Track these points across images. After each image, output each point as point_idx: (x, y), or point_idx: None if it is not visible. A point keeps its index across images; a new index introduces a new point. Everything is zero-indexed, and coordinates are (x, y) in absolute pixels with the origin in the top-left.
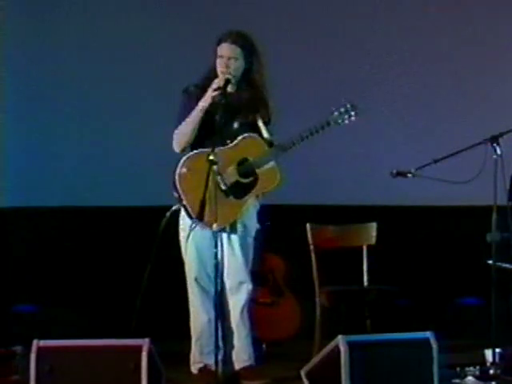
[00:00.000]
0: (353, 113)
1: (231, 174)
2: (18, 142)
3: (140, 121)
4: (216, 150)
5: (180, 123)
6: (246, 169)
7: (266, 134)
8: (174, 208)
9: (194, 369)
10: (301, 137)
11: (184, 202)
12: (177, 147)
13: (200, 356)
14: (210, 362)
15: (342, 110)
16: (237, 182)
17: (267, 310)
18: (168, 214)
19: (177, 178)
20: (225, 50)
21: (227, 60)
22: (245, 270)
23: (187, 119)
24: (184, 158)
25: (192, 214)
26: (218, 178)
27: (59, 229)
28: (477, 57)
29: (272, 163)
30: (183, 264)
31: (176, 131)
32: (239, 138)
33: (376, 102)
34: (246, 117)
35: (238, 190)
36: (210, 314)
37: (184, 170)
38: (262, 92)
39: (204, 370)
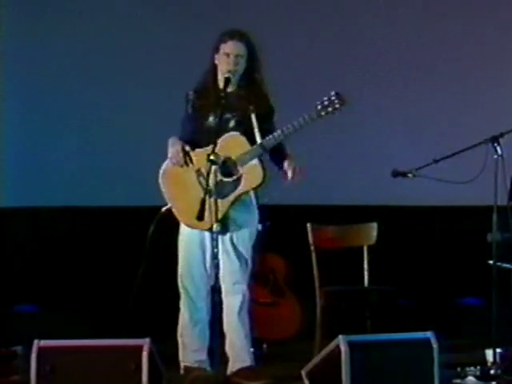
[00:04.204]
0: (338, 103)
1: (214, 174)
2: (18, 141)
3: (141, 121)
4: (199, 150)
5: (181, 128)
6: (229, 167)
7: (257, 133)
8: (163, 209)
9: (181, 368)
10: (283, 133)
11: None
12: None
13: (183, 355)
14: (193, 360)
15: (326, 102)
16: (220, 182)
17: (268, 310)
18: (158, 216)
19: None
20: (233, 47)
21: (235, 58)
22: (239, 271)
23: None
24: (160, 170)
25: (178, 217)
26: (201, 178)
27: (59, 229)
28: (478, 57)
29: (255, 161)
30: None
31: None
32: (221, 138)
33: (376, 102)
34: (244, 112)
35: (222, 190)
36: (193, 314)
37: (160, 179)
38: (261, 87)
39: (188, 368)
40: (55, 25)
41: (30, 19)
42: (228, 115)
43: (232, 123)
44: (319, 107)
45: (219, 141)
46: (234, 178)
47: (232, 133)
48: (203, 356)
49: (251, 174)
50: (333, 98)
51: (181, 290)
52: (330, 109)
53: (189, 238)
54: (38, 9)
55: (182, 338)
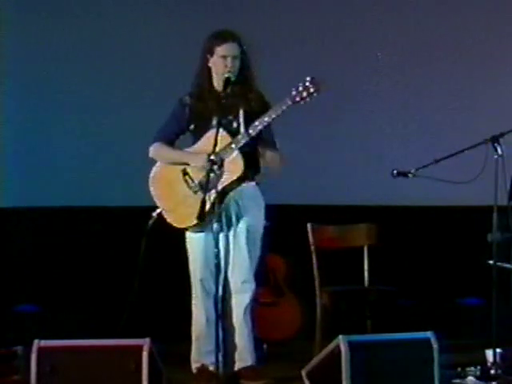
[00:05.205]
0: (312, 88)
1: (198, 170)
2: (18, 142)
3: (140, 121)
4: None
5: (164, 129)
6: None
7: (242, 128)
8: (159, 210)
9: (194, 368)
10: (264, 121)
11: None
12: (151, 156)
13: (198, 355)
14: (208, 361)
15: (301, 87)
16: (205, 177)
17: (268, 310)
18: (153, 219)
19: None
20: (229, 49)
21: (232, 60)
22: (249, 269)
23: (171, 154)
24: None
25: (169, 220)
26: (186, 177)
27: (59, 229)
28: (477, 56)
29: (235, 152)
30: (183, 264)
31: (156, 145)
32: (205, 134)
33: (376, 102)
34: (243, 111)
35: (208, 185)
36: (210, 315)
37: (151, 187)
38: (254, 84)
39: (202, 369)
40: (55, 25)
41: (29, 19)
42: (230, 116)
43: (235, 124)
44: (294, 93)
45: (202, 138)
46: (218, 172)
47: (213, 129)
48: (220, 355)
49: (231, 165)
50: (307, 83)
51: (200, 294)
52: (304, 94)
53: (205, 240)
54: (38, 9)
55: (198, 340)
